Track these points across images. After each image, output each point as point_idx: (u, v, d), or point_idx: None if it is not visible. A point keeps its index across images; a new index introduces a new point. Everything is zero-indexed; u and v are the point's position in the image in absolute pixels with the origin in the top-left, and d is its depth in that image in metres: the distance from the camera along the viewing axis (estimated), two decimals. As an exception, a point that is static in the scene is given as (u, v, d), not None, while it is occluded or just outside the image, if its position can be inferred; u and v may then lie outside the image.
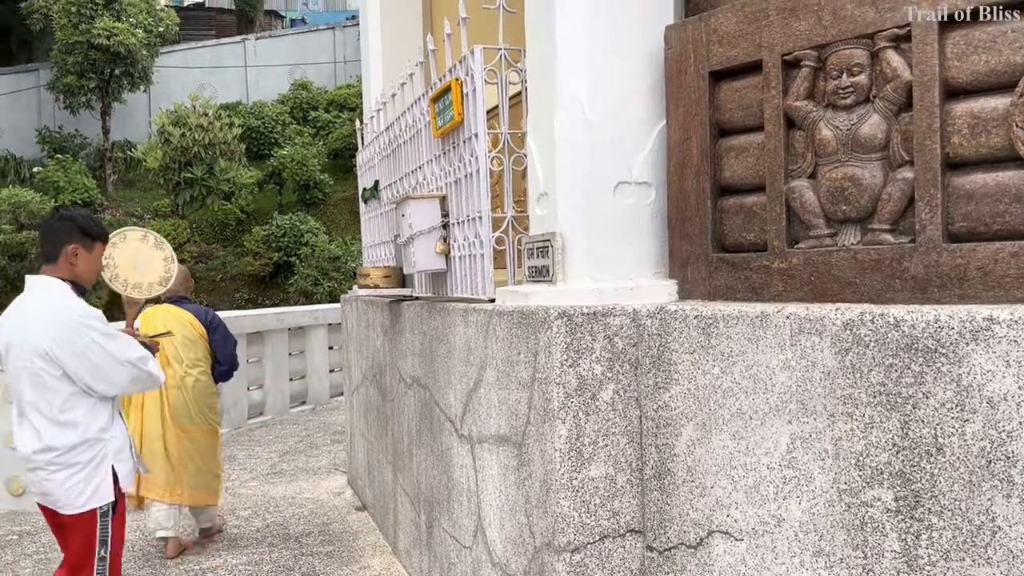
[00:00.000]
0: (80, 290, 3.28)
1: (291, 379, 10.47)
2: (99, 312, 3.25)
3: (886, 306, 2.04)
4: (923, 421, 1.87)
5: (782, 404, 2.17)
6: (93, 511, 3.17)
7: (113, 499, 3.23)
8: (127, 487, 3.33)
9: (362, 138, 6.14)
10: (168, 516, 5.10)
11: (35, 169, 21.34)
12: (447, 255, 3.78)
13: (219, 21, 31.24)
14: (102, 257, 3.42)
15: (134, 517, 5.88)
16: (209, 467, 5.28)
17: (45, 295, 3.17)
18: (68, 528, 3.20)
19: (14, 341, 3.15)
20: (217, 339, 5.27)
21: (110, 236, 3.59)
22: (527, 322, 2.72)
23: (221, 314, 6.33)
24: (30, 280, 3.23)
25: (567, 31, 2.79)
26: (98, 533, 3.19)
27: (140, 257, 3.84)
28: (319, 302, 15.42)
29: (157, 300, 4.94)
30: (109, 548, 3.22)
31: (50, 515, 3.26)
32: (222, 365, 5.33)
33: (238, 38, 27.87)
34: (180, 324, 5.15)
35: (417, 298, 4.37)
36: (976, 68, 2.03)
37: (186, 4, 33.87)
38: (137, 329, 3.92)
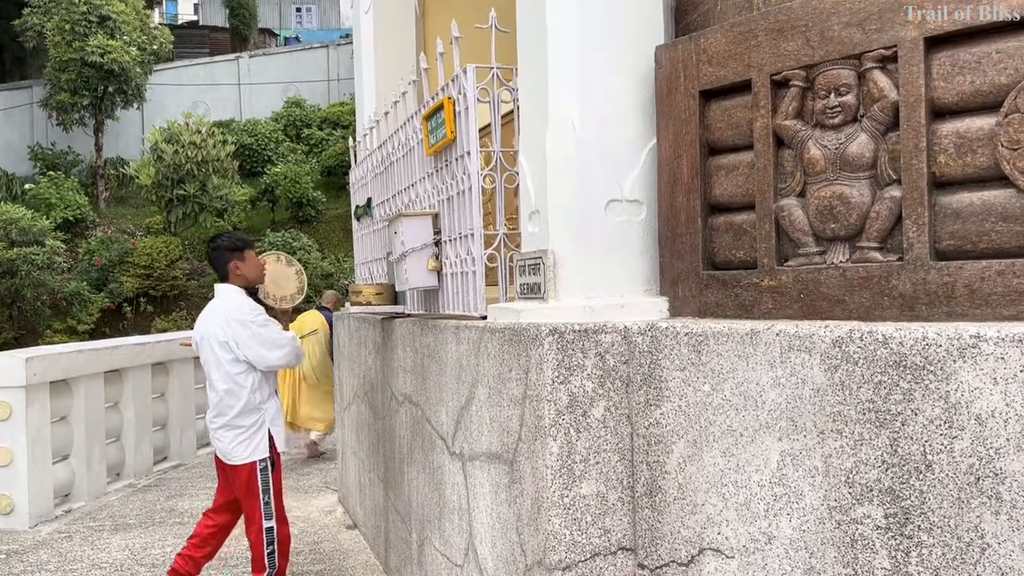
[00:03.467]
0: (252, 290, 4.43)
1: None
2: (261, 308, 4.34)
3: (875, 323, 2.06)
4: (912, 438, 1.88)
5: (772, 421, 2.17)
6: (253, 463, 4.21)
7: (269, 455, 4.25)
8: (282, 448, 4.35)
9: (355, 156, 6.16)
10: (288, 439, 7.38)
11: (27, 186, 21.28)
12: (439, 272, 3.79)
13: (213, 39, 31.30)
14: (256, 260, 4.45)
15: (122, 539, 5.84)
16: (321, 408, 8.51)
17: (225, 299, 4.29)
18: (233, 476, 4.26)
19: (205, 335, 4.26)
20: (332, 332, 7.92)
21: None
22: (519, 339, 2.73)
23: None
24: (217, 288, 4.41)
25: (559, 51, 2.81)
26: (259, 483, 4.22)
27: (279, 275, 4.86)
28: (311, 319, 15.37)
29: (297, 310, 6.17)
30: (272, 494, 4.26)
31: (221, 466, 4.38)
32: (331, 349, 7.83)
33: (232, 56, 27.92)
34: (320, 324, 8.70)
35: (409, 315, 4.38)
36: (962, 88, 2.06)
37: (180, 22, 33.99)
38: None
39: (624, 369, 2.62)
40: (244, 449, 4.22)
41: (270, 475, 4.27)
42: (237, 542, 5.75)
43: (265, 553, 4.24)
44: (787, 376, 2.14)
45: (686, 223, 2.70)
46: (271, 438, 4.30)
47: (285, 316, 4.86)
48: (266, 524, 4.24)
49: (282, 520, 4.35)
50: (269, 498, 4.25)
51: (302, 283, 4.96)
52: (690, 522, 2.41)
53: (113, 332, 16.18)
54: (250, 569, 4.46)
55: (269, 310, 4.72)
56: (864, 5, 2.19)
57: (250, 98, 26.62)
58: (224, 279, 4.36)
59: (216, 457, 4.41)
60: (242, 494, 4.29)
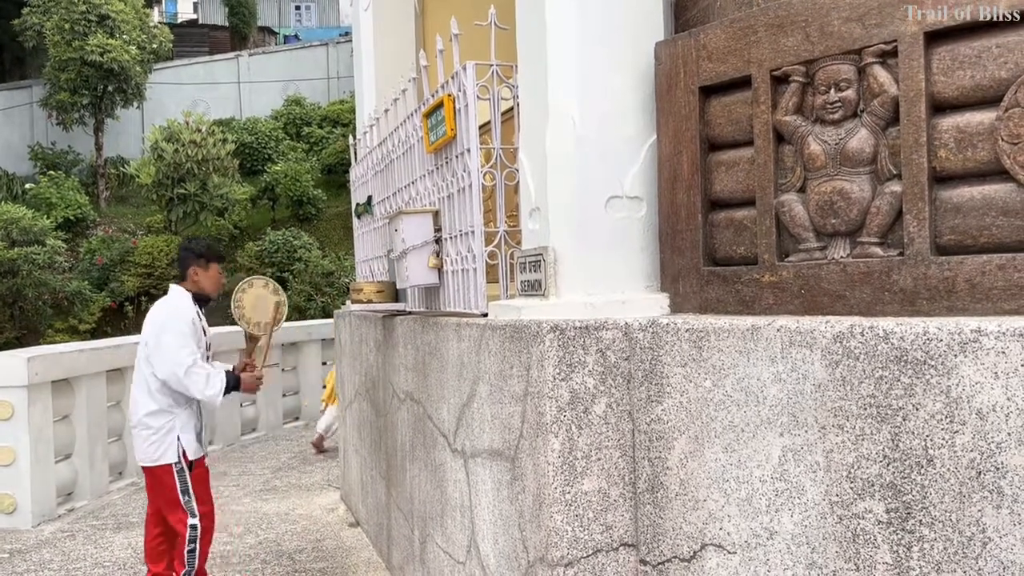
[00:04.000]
0: (204, 299, 4.38)
1: (284, 395, 10.44)
2: (191, 317, 4.23)
3: (876, 319, 2.06)
4: (913, 433, 1.88)
5: (774, 417, 2.17)
6: (169, 466, 4.15)
7: (178, 461, 4.16)
8: (193, 456, 4.22)
9: (355, 154, 6.16)
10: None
11: (27, 185, 21.27)
12: (440, 270, 3.79)
13: (212, 38, 31.27)
14: (220, 274, 4.48)
15: (125, 538, 5.86)
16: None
17: (169, 299, 4.31)
18: (149, 477, 4.24)
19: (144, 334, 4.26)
20: None
21: (240, 283, 4.89)
22: (520, 336, 2.73)
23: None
24: (170, 288, 4.39)
25: (558, 47, 2.81)
26: (177, 484, 4.16)
27: (260, 299, 4.83)
28: (312, 318, 15.36)
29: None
30: (192, 493, 4.18)
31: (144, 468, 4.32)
32: None
33: (231, 54, 27.89)
34: None
35: (410, 313, 4.38)
36: (962, 83, 2.06)
37: (179, 21, 33.96)
38: (252, 362, 4.76)
39: (625, 365, 2.62)
40: (155, 450, 4.16)
41: (187, 475, 4.20)
42: (239, 540, 5.76)
43: (186, 551, 4.18)
44: (788, 371, 2.14)
45: (686, 219, 2.70)
46: (181, 445, 4.20)
47: (250, 343, 4.82)
48: (190, 521, 4.17)
49: (207, 516, 4.27)
50: (189, 496, 4.18)
51: (280, 316, 4.84)
52: (692, 518, 2.41)
53: (114, 331, 16.18)
54: (251, 568, 4.47)
55: (249, 338, 4.81)
56: (864, 0, 2.19)
57: (250, 96, 26.60)
58: (182, 279, 4.40)
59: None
60: (160, 496, 4.24)
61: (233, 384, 4.32)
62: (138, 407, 4.21)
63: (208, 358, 4.38)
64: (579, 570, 2.58)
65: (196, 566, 4.20)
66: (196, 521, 4.19)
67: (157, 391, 4.17)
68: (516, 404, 2.78)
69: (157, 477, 4.20)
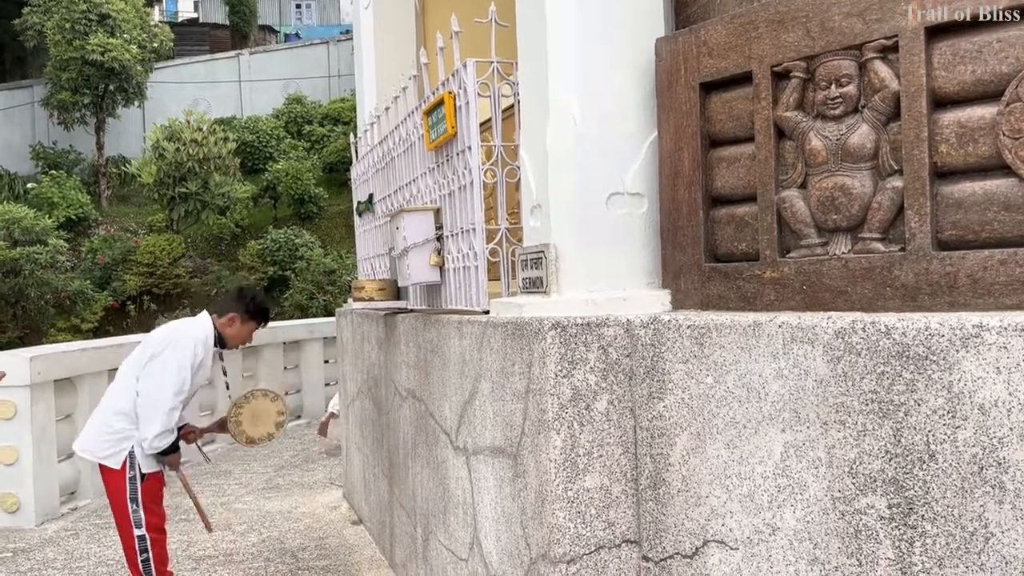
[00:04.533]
0: (221, 343, 4.25)
1: (286, 393, 10.44)
2: (202, 359, 4.09)
3: (877, 314, 2.06)
4: (915, 428, 1.88)
5: (775, 413, 2.17)
6: (122, 470, 4.02)
7: (123, 467, 4.02)
8: (146, 470, 4.07)
9: (356, 151, 6.16)
10: None
11: (29, 185, 21.28)
12: (441, 267, 3.79)
13: (213, 36, 31.26)
14: (248, 334, 4.33)
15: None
16: None
17: (196, 326, 4.16)
18: (103, 476, 4.10)
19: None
20: None
21: (244, 394, 4.65)
22: (521, 333, 2.73)
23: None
24: (202, 315, 4.28)
25: (559, 44, 2.81)
26: (127, 491, 4.03)
27: (260, 410, 4.61)
28: (314, 316, 15.37)
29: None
30: (141, 504, 4.05)
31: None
32: None
33: (232, 53, 27.89)
34: None
35: (412, 310, 4.38)
36: (963, 78, 2.05)
37: (180, 20, 33.95)
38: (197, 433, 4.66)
39: (627, 362, 2.62)
40: (102, 449, 4.03)
41: (139, 485, 4.05)
42: (242, 538, 5.77)
43: (139, 560, 4.06)
44: (790, 367, 2.14)
45: (688, 216, 2.70)
46: (133, 456, 4.04)
47: (222, 430, 4.69)
48: (136, 532, 4.05)
49: (155, 528, 4.12)
50: (138, 506, 4.04)
51: (279, 429, 4.66)
52: (694, 514, 2.41)
53: (117, 330, 16.20)
54: (254, 566, 4.46)
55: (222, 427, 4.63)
56: (864, -5, 2.18)
57: (251, 95, 26.61)
58: (220, 313, 4.27)
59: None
60: (111, 498, 4.10)
61: (171, 451, 4.15)
62: (112, 400, 4.07)
63: (187, 402, 4.21)
64: (581, 567, 2.58)
65: (155, 574, 4.09)
66: (143, 532, 4.05)
67: (129, 400, 4.03)
68: (518, 401, 2.78)
69: (106, 474, 4.07)
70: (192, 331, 4.10)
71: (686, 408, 2.43)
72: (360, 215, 5.95)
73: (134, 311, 17.74)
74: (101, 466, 4.08)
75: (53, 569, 5.34)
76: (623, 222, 2.82)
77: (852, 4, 2.21)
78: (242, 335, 4.30)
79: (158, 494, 4.17)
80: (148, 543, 4.06)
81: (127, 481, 4.02)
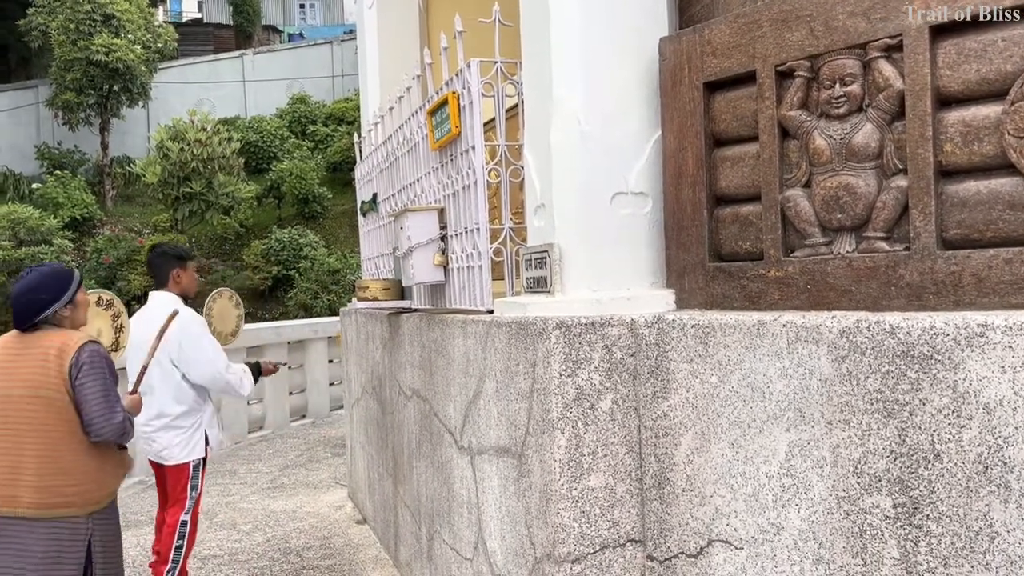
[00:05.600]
0: (185, 299, 4.41)
1: (291, 393, 10.46)
2: (202, 318, 4.41)
3: (882, 313, 2.05)
4: (920, 428, 1.88)
5: (780, 412, 2.17)
6: (189, 463, 4.26)
7: (203, 455, 4.32)
8: (215, 447, 4.42)
9: (360, 151, 6.16)
10: None
11: (34, 185, 21.35)
12: (445, 267, 3.79)
13: (217, 36, 31.31)
14: (193, 274, 4.54)
15: (134, 536, 5.88)
16: None
17: (167, 304, 4.25)
18: (173, 475, 4.27)
19: (141, 341, 4.13)
20: None
21: (212, 293, 5.14)
22: (525, 333, 2.73)
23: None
24: (153, 295, 4.45)
25: (562, 44, 2.81)
26: (190, 481, 4.27)
27: (226, 312, 5.04)
28: (318, 315, 15.39)
29: None
30: (198, 492, 4.30)
31: (157, 468, 4.37)
32: None
33: (236, 53, 27.94)
34: None
35: (416, 310, 4.38)
36: (967, 77, 2.05)
37: (184, 20, 34.00)
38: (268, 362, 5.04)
39: (631, 362, 2.62)
40: (180, 451, 4.24)
41: (201, 470, 4.33)
42: (247, 538, 5.78)
43: (173, 546, 4.21)
44: (794, 367, 2.13)
45: (692, 215, 2.70)
46: (207, 438, 4.36)
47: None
48: (183, 518, 4.23)
49: (195, 519, 4.35)
50: (196, 494, 4.29)
51: (239, 328, 5.17)
52: (699, 514, 2.41)
53: (122, 330, 16.19)
54: (259, 565, 4.48)
55: None
56: (869, -6, 2.18)
57: (255, 95, 26.65)
58: (162, 285, 4.41)
59: (152, 461, 4.39)
60: (171, 488, 4.30)
61: (256, 374, 4.55)
62: (165, 409, 4.23)
63: None
64: (586, 566, 2.58)
65: (180, 564, 4.23)
66: (188, 517, 4.24)
67: (185, 392, 4.26)
68: (522, 401, 2.78)
69: (177, 473, 4.26)
70: (176, 309, 4.13)
71: (690, 407, 2.43)
72: (364, 215, 5.95)
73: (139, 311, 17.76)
74: (167, 468, 4.27)
75: (59, 568, 5.35)
76: (627, 221, 2.82)
77: (856, 3, 2.21)
78: (192, 280, 4.53)
79: (204, 472, 4.44)
80: (187, 530, 4.24)
81: (191, 471, 4.27)
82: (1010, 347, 1.74)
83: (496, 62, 3.31)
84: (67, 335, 3.13)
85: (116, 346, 4.23)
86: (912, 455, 1.89)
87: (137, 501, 7.09)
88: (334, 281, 17.44)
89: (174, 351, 4.18)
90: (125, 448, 3.37)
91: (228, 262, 19.74)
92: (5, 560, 3.00)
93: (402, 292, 4.50)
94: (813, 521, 2.10)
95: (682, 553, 2.47)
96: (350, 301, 8.15)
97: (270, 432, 9.90)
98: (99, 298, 4.25)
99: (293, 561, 5.25)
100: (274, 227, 19.55)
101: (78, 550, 3.06)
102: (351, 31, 28.30)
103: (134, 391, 3.72)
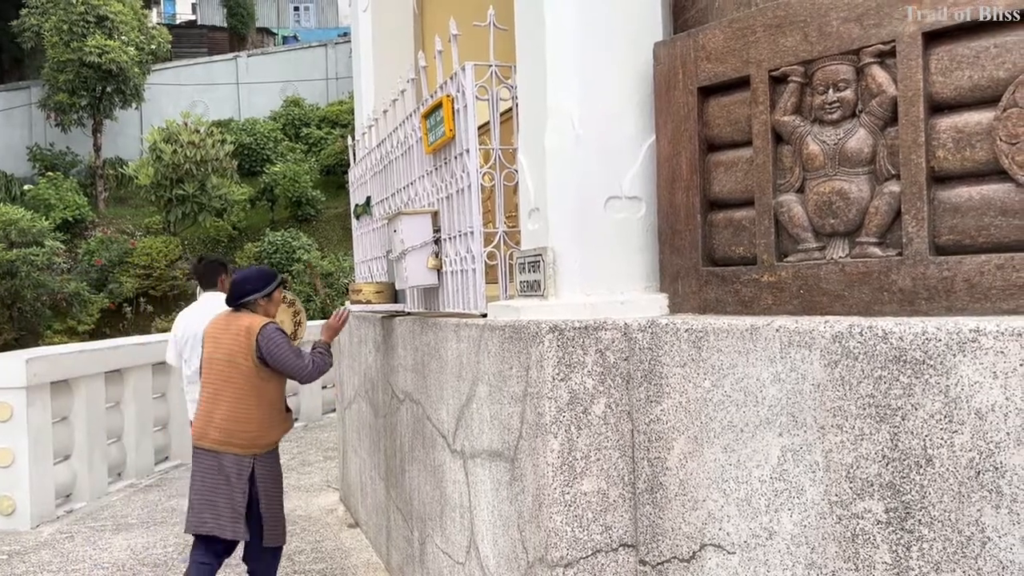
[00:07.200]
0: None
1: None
2: (258, 318, 4.57)
3: (874, 318, 2.06)
4: (912, 433, 1.88)
5: (773, 417, 2.17)
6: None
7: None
8: None
9: (354, 154, 6.16)
10: None
11: (26, 187, 21.26)
12: (439, 270, 3.79)
13: (211, 38, 31.27)
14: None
15: (124, 539, 5.85)
16: None
17: (220, 303, 4.54)
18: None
19: (196, 333, 4.76)
20: None
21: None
22: (519, 336, 2.73)
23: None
24: (207, 295, 5.34)
25: (557, 48, 2.81)
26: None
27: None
28: (311, 319, 15.38)
29: None
30: None
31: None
32: None
33: (230, 55, 27.88)
34: None
35: (409, 313, 4.38)
36: (960, 83, 2.06)
37: (178, 22, 33.95)
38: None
39: (624, 366, 2.62)
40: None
41: None
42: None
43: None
44: (787, 372, 2.14)
45: (685, 219, 2.70)
46: None
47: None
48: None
49: None
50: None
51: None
52: (691, 518, 2.41)
53: (113, 332, 16.17)
54: (245, 568, 4.46)
55: None
56: (862, 0, 2.19)
57: (249, 97, 26.60)
58: (212, 287, 5.35)
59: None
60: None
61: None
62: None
63: None
64: (578, 571, 2.58)
65: None
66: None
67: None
68: (515, 405, 2.78)
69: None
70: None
71: (683, 412, 2.43)
72: (358, 218, 5.95)
73: (131, 313, 17.71)
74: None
75: (48, 572, 5.32)
76: (621, 226, 2.82)
77: (850, 9, 2.22)
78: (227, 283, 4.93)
79: None
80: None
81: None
82: (1002, 352, 1.75)
83: (491, 66, 3.32)
84: (256, 318, 4.14)
85: (294, 336, 4.88)
86: (904, 460, 1.89)
87: (128, 504, 7.06)
88: (327, 284, 17.43)
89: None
90: (290, 411, 4.37)
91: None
92: (202, 474, 4.13)
93: (395, 295, 4.50)
94: (805, 526, 2.10)
95: (675, 557, 2.47)
96: (343, 304, 8.13)
97: (262, 435, 9.86)
98: (284, 297, 4.85)
99: (284, 565, 5.22)
100: (267, 230, 19.52)
101: (243, 478, 4.09)
102: (345, 34, 28.27)
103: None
